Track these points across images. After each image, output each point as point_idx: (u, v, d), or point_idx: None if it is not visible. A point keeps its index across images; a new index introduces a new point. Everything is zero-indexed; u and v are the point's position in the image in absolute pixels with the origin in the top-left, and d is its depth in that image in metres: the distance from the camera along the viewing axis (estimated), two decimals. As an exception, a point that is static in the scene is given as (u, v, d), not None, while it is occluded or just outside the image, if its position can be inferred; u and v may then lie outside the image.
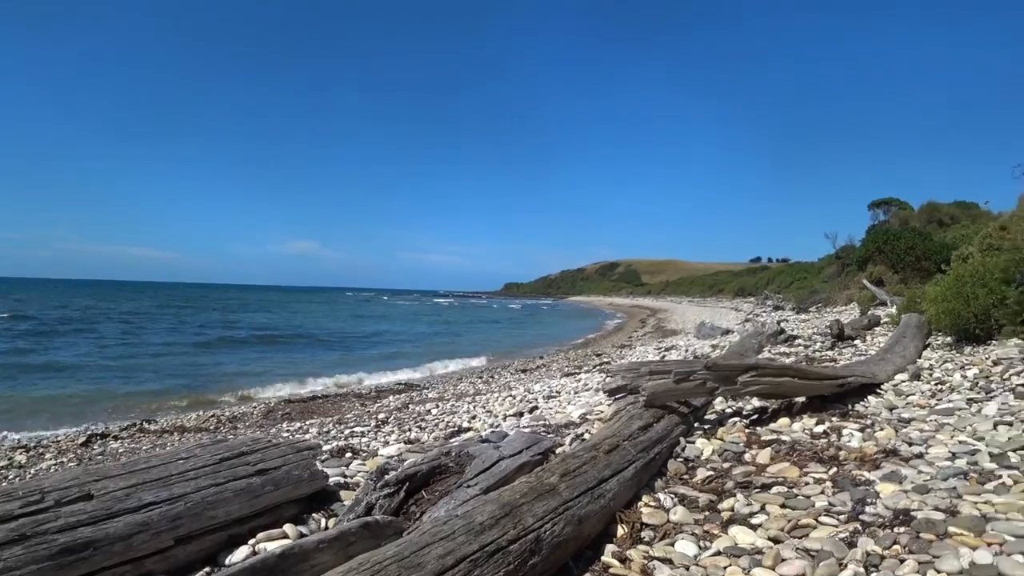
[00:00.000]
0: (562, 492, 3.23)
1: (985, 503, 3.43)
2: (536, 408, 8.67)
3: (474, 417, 8.99)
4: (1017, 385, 5.85)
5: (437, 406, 11.00)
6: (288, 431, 9.65)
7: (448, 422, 8.77)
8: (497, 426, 7.49)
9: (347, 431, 8.79)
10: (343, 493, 4.03)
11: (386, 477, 3.69)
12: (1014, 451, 4.22)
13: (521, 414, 8.45)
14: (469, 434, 7.11)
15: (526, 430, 5.68)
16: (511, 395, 11.06)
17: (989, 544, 2.98)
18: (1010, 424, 4.80)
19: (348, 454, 5.49)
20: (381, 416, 10.24)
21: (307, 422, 10.47)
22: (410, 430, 8.34)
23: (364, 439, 7.58)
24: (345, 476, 4.44)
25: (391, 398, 13.09)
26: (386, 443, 7.00)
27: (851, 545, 3.10)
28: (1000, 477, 3.80)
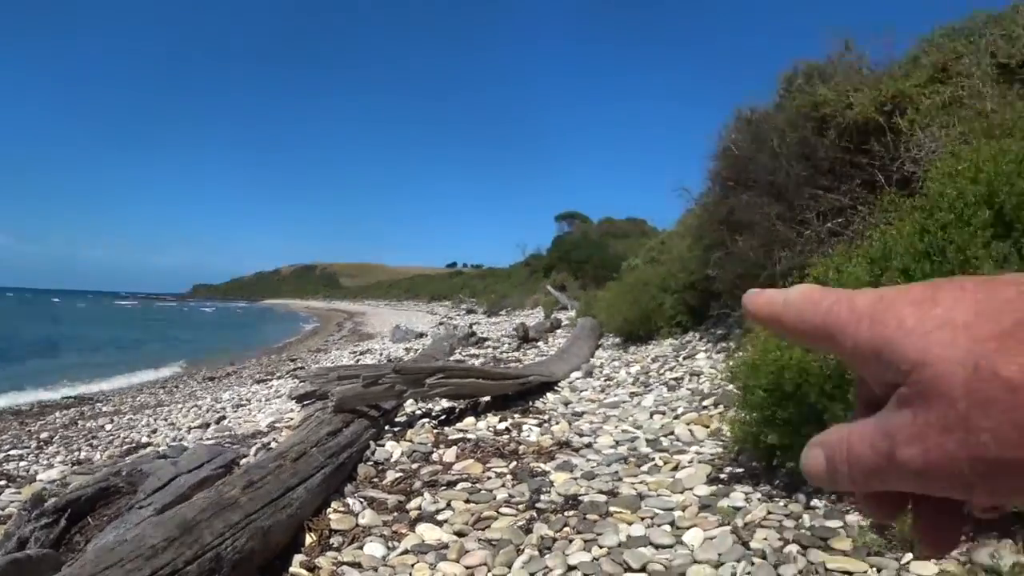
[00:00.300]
0: (244, 505, 3.06)
1: (640, 483, 3.86)
2: (224, 418, 8.23)
3: (155, 431, 8.29)
4: (670, 379, 6.65)
5: (112, 421, 9.94)
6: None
7: (125, 438, 7.97)
8: (180, 439, 6.98)
9: (0, 455, 7.62)
10: (-11, 527, 3.49)
11: (45, 505, 3.24)
12: (665, 436, 4.78)
13: (207, 425, 7.96)
14: (148, 450, 6.54)
15: (209, 442, 5.34)
16: (197, 405, 10.35)
17: (643, 519, 3.33)
18: (663, 413, 5.44)
19: (2, 481, 4.78)
20: (44, 435, 9.00)
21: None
22: (79, 450, 7.46)
23: (23, 463, 6.62)
24: (-4, 508, 3.85)
25: (57, 414, 11.58)
26: (49, 466, 6.20)
27: (527, 531, 3.31)
28: (653, 460, 4.29)
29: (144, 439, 7.73)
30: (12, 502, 4.09)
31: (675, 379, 6.64)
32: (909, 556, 2.76)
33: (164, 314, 68.47)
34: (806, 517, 3.23)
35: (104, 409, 12.12)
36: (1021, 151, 3.47)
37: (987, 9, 8.04)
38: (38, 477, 4.94)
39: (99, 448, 7.54)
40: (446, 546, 3.27)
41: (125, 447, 7.20)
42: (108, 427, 9.35)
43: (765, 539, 3.05)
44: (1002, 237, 3.21)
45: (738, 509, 3.39)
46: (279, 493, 3.40)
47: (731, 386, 5.69)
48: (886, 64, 8.18)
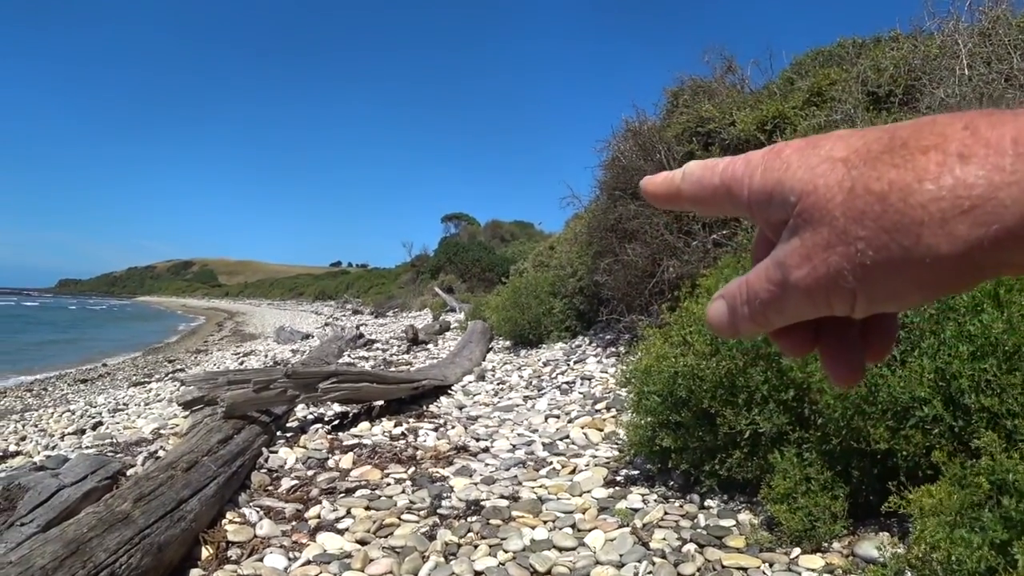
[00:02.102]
0: (137, 520, 2.94)
1: (540, 487, 3.94)
2: (101, 424, 7.80)
3: (23, 438, 7.76)
4: (563, 383, 6.79)
5: (-29, 427, 9.25)
6: None
7: (-10, 446, 7.43)
8: (54, 447, 6.58)
9: None
10: None
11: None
12: (561, 440, 4.90)
13: (83, 431, 7.54)
14: (18, 460, 6.13)
15: (90, 451, 5.08)
16: (70, 410, 9.75)
17: (545, 522, 3.42)
18: (557, 417, 5.56)
19: None
20: None
21: None
22: (-66, 459, 6.90)
23: None
24: None
25: (-99, 420, 10.67)
26: None
27: (431, 538, 3.33)
28: (551, 464, 4.38)
29: (12, 448, 7.23)
30: None
31: (567, 383, 6.79)
32: (797, 551, 2.95)
33: (21, 312, 63.83)
34: (701, 517, 3.40)
35: (-39, 415, 11.25)
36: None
37: (852, 37, 8.67)
38: None
39: (-43, 459, 7.02)
40: (349, 555, 3.25)
41: (-10, 456, 6.73)
42: (-33, 435, 8.70)
43: (664, 539, 3.19)
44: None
45: (636, 511, 3.52)
46: (173, 506, 3.27)
47: (623, 391, 5.90)
48: (764, 83, 8.68)
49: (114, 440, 5.90)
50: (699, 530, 3.28)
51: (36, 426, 8.73)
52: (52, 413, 9.80)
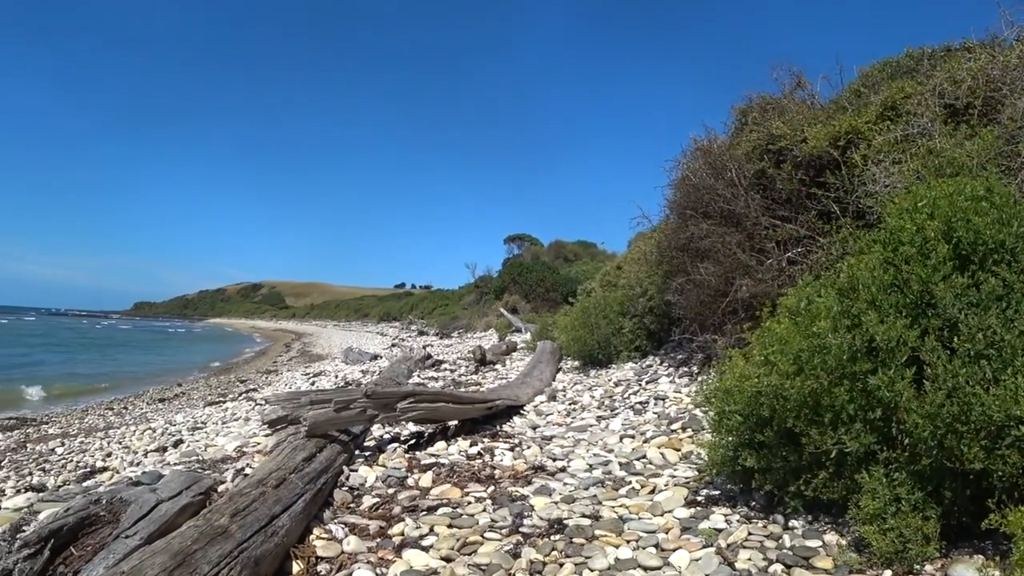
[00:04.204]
0: (235, 534, 3.07)
1: (620, 506, 3.97)
2: (181, 441, 8.08)
3: (109, 455, 8.10)
4: (636, 403, 6.79)
5: (63, 444, 9.68)
6: None
7: (79, 462, 7.78)
8: (138, 464, 6.86)
9: (-55, 480, 7.37)
10: (-41, 557, 3.39)
11: (24, 535, 3.18)
12: (637, 459, 4.90)
13: (165, 449, 7.82)
14: (106, 475, 6.41)
15: (178, 467, 5.27)
16: (150, 428, 10.13)
17: (628, 541, 3.44)
18: (632, 437, 5.56)
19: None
20: (-9, 459, 8.73)
21: None
22: (31, 474, 7.25)
23: (-30, 489, 6.42)
24: (-41, 536, 3.73)
25: (0, 436, 11.22)
26: (2, 492, 6.04)
27: (516, 556, 3.37)
28: (630, 483, 4.40)
29: (99, 463, 7.56)
30: (-22, 531, 3.99)
31: (640, 403, 6.79)
32: (888, 573, 2.90)
33: (102, 333, 66.22)
34: (786, 537, 3.37)
35: (51, 431, 11.77)
36: (974, 190, 3.70)
37: (921, 47, 8.50)
38: (2, 505, 4.80)
39: (52, 473, 7.35)
40: (435, 572, 3.31)
41: (80, 471, 7.03)
42: (59, 450, 9.10)
43: (749, 559, 3.17)
44: (960, 270, 3.41)
45: (720, 530, 3.51)
46: (266, 521, 3.40)
47: (698, 411, 5.87)
48: (830, 98, 8.56)
49: (200, 458, 6.11)
50: (785, 551, 3.25)
51: (120, 443, 9.08)
52: (134, 431, 10.17)
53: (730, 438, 3.85)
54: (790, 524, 3.53)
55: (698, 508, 3.89)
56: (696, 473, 4.48)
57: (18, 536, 3.24)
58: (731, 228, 7.13)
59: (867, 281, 3.53)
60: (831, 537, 3.32)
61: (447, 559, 3.44)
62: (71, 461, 7.95)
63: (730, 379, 3.78)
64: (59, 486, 6.25)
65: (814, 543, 3.29)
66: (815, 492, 3.38)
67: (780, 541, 3.36)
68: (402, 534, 3.82)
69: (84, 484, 5.93)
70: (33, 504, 4.60)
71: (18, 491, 6.00)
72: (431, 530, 3.85)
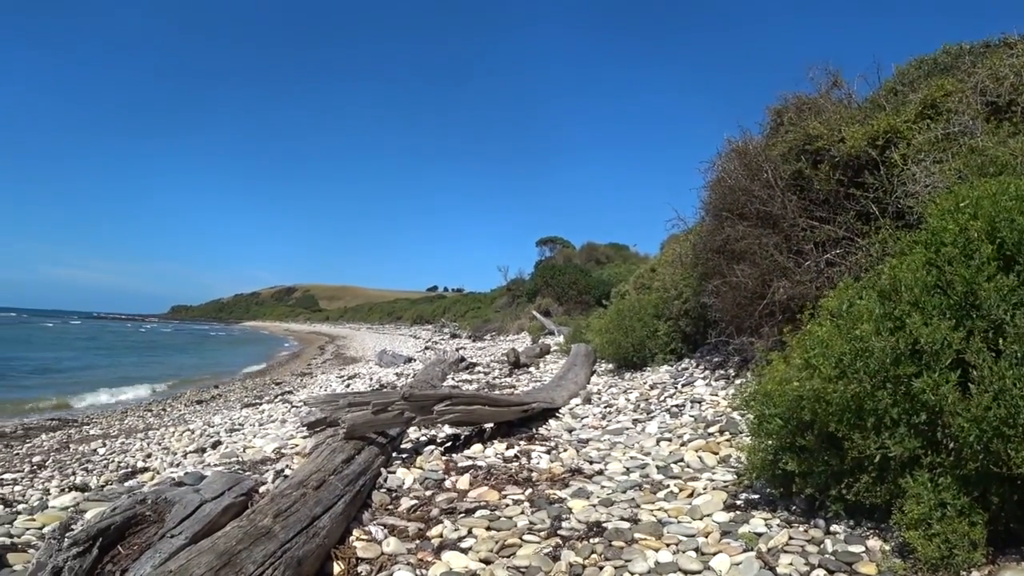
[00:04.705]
0: (278, 534, 3.11)
1: (659, 510, 3.96)
2: (219, 443, 8.20)
3: (150, 455, 8.25)
4: (672, 406, 6.75)
5: (104, 444, 9.87)
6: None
7: (120, 462, 7.93)
8: (178, 464, 6.97)
9: (-7, 480, 7.57)
10: (11, 556, 3.49)
11: (73, 534, 3.25)
12: (675, 463, 4.88)
13: (203, 450, 7.95)
14: (147, 475, 6.53)
15: (219, 468, 5.35)
16: (189, 429, 10.29)
17: (668, 545, 3.43)
18: (669, 440, 5.54)
19: (0, 507, 4.75)
20: (36, 459, 8.93)
21: (-67, 473, 8.79)
22: (75, 474, 7.42)
23: (18, 488, 6.59)
24: (11, 536, 3.84)
25: (44, 436, 11.47)
26: (47, 491, 6.18)
27: (555, 558, 3.38)
28: (668, 486, 4.38)
29: (140, 464, 7.71)
30: (28, 529, 4.08)
31: (676, 406, 6.75)
32: (934, 580, 2.86)
33: (140, 336, 67.39)
34: (828, 542, 3.33)
35: (92, 432, 12.00)
36: (1019, 189, 3.63)
37: (958, 43, 8.35)
38: (51, 504, 4.90)
39: (94, 472, 7.51)
40: (475, 574, 3.33)
41: (121, 472, 7.17)
42: (101, 451, 9.29)
43: (791, 564, 3.15)
44: (1005, 271, 3.35)
45: (760, 535, 3.49)
46: (307, 522, 3.44)
47: (735, 414, 5.82)
48: (868, 97, 8.44)
49: (239, 459, 6.19)
50: (827, 555, 3.22)
51: (159, 444, 9.24)
52: (173, 432, 10.35)
53: (770, 442, 3.82)
54: (832, 529, 3.49)
55: (737, 512, 3.87)
56: (735, 477, 4.45)
57: (67, 535, 3.31)
58: (768, 229, 7.06)
59: (909, 282, 3.48)
60: (874, 542, 3.28)
61: (486, 561, 3.46)
62: (112, 461, 8.10)
63: (770, 382, 3.75)
64: (102, 486, 6.38)
65: (857, 548, 3.25)
66: (857, 496, 3.34)
67: (822, 546, 3.33)
68: (441, 536, 3.85)
69: (126, 484, 6.05)
70: (79, 503, 4.70)
71: (62, 490, 6.14)
72: (470, 532, 3.87)
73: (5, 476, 7.72)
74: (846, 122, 7.20)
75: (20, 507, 4.85)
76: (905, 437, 3.13)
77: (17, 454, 9.79)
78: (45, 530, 3.94)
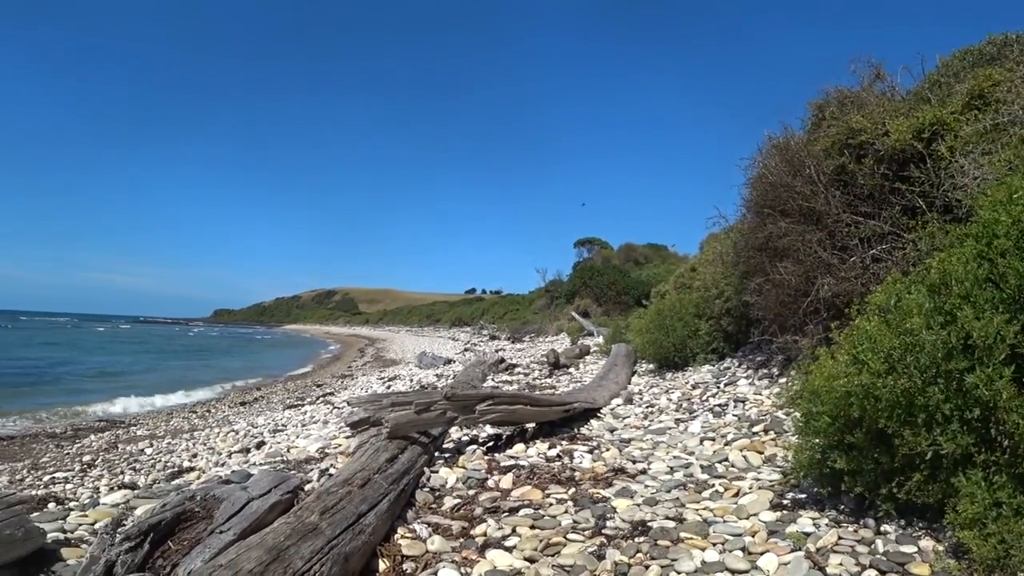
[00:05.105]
0: (325, 531, 3.14)
1: (704, 509, 3.91)
2: (263, 443, 8.30)
3: (195, 455, 8.40)
4: (714, 405, 6.68)
5: (151, 444, 10.08)
6: (-32, 483, 8.28)
7: (167, 462, 8.09)
8: (223, 464, 7.08)
9: (46, 477, 7.78)
10: (65, 551, 3.57)
11: (126, 529, 3.32)
12: (719, 462, 4.83)
13: (248, 450, 8.05)
14: (193, 474, 6.64)
15: (265, 467, 5.42)
16: (233, 430, 10.46)
17: (714, 544, 3.39)
18: (713, 439, 5.48)
19: (52, 504, 4.86)
20: (86, 458, 9.17)
21: (-8, 470, 9.06)
22: (123, 473, 7.59)
23: (69, 486, 6.76)
24: (64, 531, 3.92)
25: (93, 437, 11.75)
26: (96, 489, 6.31)
27: (600, 557, 3.36)
28: (713, 486, 4.33)
29: (186, 463, 7.84)
30: (81, 525, 4.17)
31: (719, 405, 6.68)
32: (990, 581, 2.79)
33: (183, 339, 68.61)
34: (879, 542, 3.26)
35: (139, 433, 12.28)
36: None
37: (1002, 33, 8.14)
38: (102, 501, 4.99)
39: (142, 472, 7.67)
40: (519, 572, 3.32)
41: (168, 471, 7.31)
42: (148, 451, 9.49)
43: (840, 564, 3.09)
44: (1061, 264, 3.25)
45: (808, 534, 3.43)
46: (353, 519, 3.47)
47: (780, 413, 5.74)
48: (911, 89, 8.27)
49: (284, 458, 6.27)
50: (878, 556, 3.15)
51: (205, 444, 9.40)
52: (217, 433, 10.53)
53: (817, 440, 3.76)
54: (882, 529, 3.41)
55: (784, 511, 3.81)
56: (781, 476, 4.38)
57: (119, 530, 3.38)
58: (811, 226, 6.96)
59: (960, 276, 3.40)
60: (926, 543, 3.21)
61: (531, 560, 3.45)
62: (159, 461, 8.27)
63: (817, 379, 3.69)
64: (150, 484, 6.51)
65: (909, 548, 3.18)
66: (908, 495, 3.27)
67: (872, 546, 3.26)
68: (485, 534, 3.85)
69: (173, 483, 6.15)
70: (129, 500, 4.78)
71: (111, 488, 6.27)
72: (513, 531, 3.86)
73: (57, 475, 7.94)
74: (890, 115, 7.06)
75: (71, 504, 4.95)
76: (958, 434, 3.06)
77: (68, 454, 10.07)
78: (97, 526, 4.01)
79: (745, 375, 7.91)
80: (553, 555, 3.48)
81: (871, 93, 8.36)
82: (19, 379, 23.81)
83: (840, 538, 3.34)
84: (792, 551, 3.27)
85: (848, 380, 3.40)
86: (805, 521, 3.60)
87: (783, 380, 6.94)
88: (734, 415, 6.25)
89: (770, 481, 4.34)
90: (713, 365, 9.09)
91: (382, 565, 3.48)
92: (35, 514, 4.41)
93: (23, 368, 28.26)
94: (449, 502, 4.48)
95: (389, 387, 14.64)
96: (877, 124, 7.01)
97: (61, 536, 3.83)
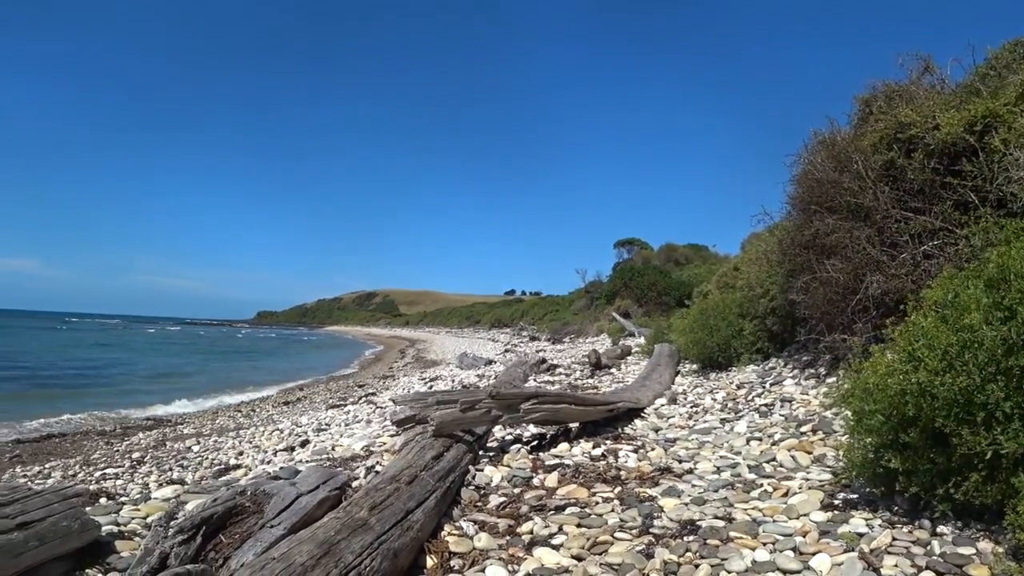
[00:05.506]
0: (374, 526, 3.17)
1: (753, 508, 3.86)
2: (308, 442, 8.38)
3: (241, 453, 8.51)
4: (760, 405, 6.60)
5: (198, 442, 10.26)
6: (26, 476, 8.51)
7: (213, 459, 8.21)
8: (268, 462, 7.16)
9: (97, 473, 7.96)
10: (119, 543, 3.64)
11: (179, 522, 3.38)
12: (767, 462, 4.76)
13: (292, 448, 8.13)
14: (240, 472, 6.72)
15: (311, 464, 5.48)
16: (278, 429, 10.58)
17: (764, 544, 3.34)
18: (759, 439, 5.41)
19: (104, 499, 4.96)
20: (136, 455, 9.36)
21: (46, 465, 9.29)
22: (171, 470, 7.72)
23: (119, 481, 6.90)
24: (118, 524, 4.00)
25: (141, 435, 12.00)
26: (146, 485, 6.43)
27: (649, 556, 3.33)
28: (761, 485, 4.27)
29: (232, 461, 7.94)
30: (134, 519, 4.25)
31: (765, 405, 6.59)
32: (1055, 583, 2.70)
33: (229, 341, 69.73)
34: (935, 543, 3.18)
35: (186, 431, 12.49)
36: None
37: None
38: (153, 495, 5.09)
39: (190, 469, 7.79)
40: (567, 570, 3.31)
41: (215, 468, 7.41)
42: (195, 448, 9.65)
43: (896, 566, 3.02)
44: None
45: (861, 535, 3.36)
46: (401, 515, 3.49)
47: (828, 413, 5.65)
48: (961, 82, 8.06)
49: (330, 456, 6.33)
50: (935, 557, 3.08)
51: (250, 442, 9.52)
52: (263, 431, 10.66)
53: (869, 439, 3.68)
54: (938, 530, 3.33)
55: (836, 512, 3.74)
56: (831, 476, 4.30)
57: (172, 523, 3.44)
58: (859, 222, 6.83)
59: (1020, 270, 3.31)
60: (985, 544, 3.12)
61: (578, 558, 3.44)
62: (206, 459, 8.40)
63: (871, 377, 3.61)
64: (198, 481, 6.61)
65: (967, 550, 3.09)
66: (966, 496, 3.18)
67: (928, 547, 3.18)
68: (531, 532, 3.84)
69: (220, 480, 6.24)
70: (179, 495, 4.87)
71: (160, 484, 6.39)
72: (560, 529, 3.85)
73: (107, 471, 8.11)
74: (940, 108, 6.90)
75: (122, 499, 5.04)
76: (1019, 433, 2.97)
77: (117, 451, 10.30)
78: (149, 519, 4.09)
79: (791, 375, 7.79)
80: (601, 553, 3.46)
81: (920, 86, 8.17)
82: (76, 379, 24.49)
83: (895, 539, 3.26)
84: (845, 552, 3.20)
85: (903, 378, 3.33)
86: (858, 521, 3.53)
87: (831, 380, 6.82)
88: (781, 415, 6.16)
89: (820, 481, 4.27)
90: (758, 365, 8.98)
91: (430, 561, 3.49)
92: (88, 508, 4.51)
93: (78, 369, 29.09)
94: (494, 500, 4.48)
95: (431, 387, 14.70)
96: (927, 117, 6.86)
97: (114, 529, 3.91)
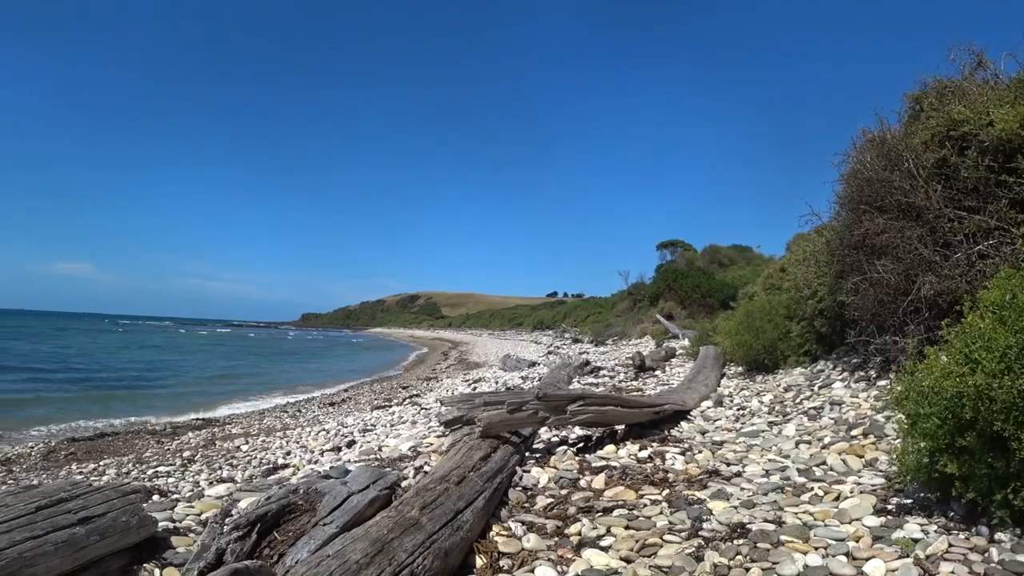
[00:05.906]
0: (425, 525, 3.21)
1: (804, 512, 3.82)
2: (354, 442, 8.49)
3: (288, 453, 8.65)
4: (809, 408, 6.51)
5: (246, 442, 10.45)
6: (81, 473, 8.77)
7: (261, 459, 8.37)
8: (316, 462, 7.27)
9: (150, 471, 8.16)
10: (174, 539, 3.73)
11: (234, 519, 3.46)
12: (817, 466, 4.70)
13: (339, 448, 8.25)
14: (288, 471, 6.83)
15: (359, 464, 5.56)
16: (324, 429, 10.75)
17: (816, 548, 3.30)
18: (808, 442, 5.34)
19: (156, 496, 5.08)
20: (186, 454, 9.58)
21: (100, 463, 9.57)
22: (221, 468, 7.88)
23: (171, 479, 7.07)
24: (173, 520, 4.10)
25: (191, 435, 12.26)
26: (197, 483, 6.58)
27: (699, 559, 3.32)
28: (811, 489, 4.23)
29: (280, 460, 8.08)
30: (188, 515, 4.34)
31: (814, 408, 6.50)
32: (1122, 592, 2.63)
33: (277, 343, 70.81)
34: (993, 551, 3.11)
35: (234, 431, 12.72)
36: None
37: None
38: (206, 493, 5.19)
39: (239, 468, 7.94)
40: (616, 572, 3.31)
41: (263, 467, 7.55)
42: (244, 448, 9.83)
43: (952, 572, 2.97)
44: None
45: (916, 541, 3.30)
46: (451, 515, 3.53)
47: (879, 416, 5.55)
48: (1015, 77, 7.85)
49: (377, 456, 6.40)
50: (993, 565, 3.01)
51: (297, 443, 9.67)
52: (309, 432, 10.83)
53: (924, 443, 3.62)
54: (996, 537, 3.26)
55: (889, 517, 3.68)
56: (884, 480, 4.23)
57: (227, 520, 3.51)
58: (911, 222, 6.70)
59: (1081, 272, 3.22)
60: (1046, 551, 3.04)
61: (627, 560, 3.44)
62: (255, 458, 8.56)
63: (926, 379, 3.54)
64: (248, 479, 6.74)
65: (1027, 558, 3.02)
66: (1026, 502, 3.11)
67: (986, 555, 3.12)
68: (579, 534, 3.85)
69: (269, 479, 6.36)
70: (232, 493, 4.96)
71: (211, 483, 6.52)
72: (608, 531, 3.86)
73: (160, 469, 8.31)
74: (994, 104, 6.74)
75: (175, 496, 5.15)
76: (1082, 437, 2.89)
77: (168, 449, 10.54)
78: (203, 516, 4.18)
79: (840, 377, 7.67)
80: (650, 556, 3.45)
81: (972, 82, 7.97)
82: (134, 381, 25.08)
83: (951, 545, 3.20)
84: (900, 557, 3.15)
85: (960, 380, 3.26)
86: (912, 527, 3.47)
87: (882, 382, 6.70)
88: (830, 418, 6.07)
89: (872, 485, 4.20)
90: (805, 367, 8.85)
91: (479, 561, 3.52)
92: (144, 504, 4.63)
93: (134, 369, 29.86)
94: (542, 501, 4.50)
95: (474, 389, 14.77)
96: (980, 114, 6.70)
97: (170, 525, 4.00)
